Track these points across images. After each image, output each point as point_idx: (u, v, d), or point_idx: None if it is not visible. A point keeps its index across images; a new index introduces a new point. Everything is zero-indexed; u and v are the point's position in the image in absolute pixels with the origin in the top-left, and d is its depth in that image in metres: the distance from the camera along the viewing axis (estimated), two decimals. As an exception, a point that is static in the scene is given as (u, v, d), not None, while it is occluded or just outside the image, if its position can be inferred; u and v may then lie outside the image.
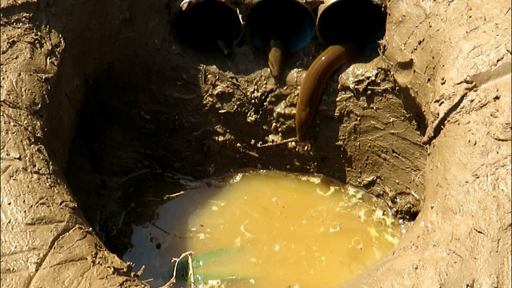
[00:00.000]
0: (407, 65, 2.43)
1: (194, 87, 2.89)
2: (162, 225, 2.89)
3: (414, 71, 2.36)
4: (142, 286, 1.89)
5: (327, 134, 2.93)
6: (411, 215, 2.86)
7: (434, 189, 1.97)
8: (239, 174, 3.14)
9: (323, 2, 2.68)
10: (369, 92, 2.73)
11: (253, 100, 2.90)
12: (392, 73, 2.57)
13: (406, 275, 1.71)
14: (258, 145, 3.04)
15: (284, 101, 2.90)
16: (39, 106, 2.15)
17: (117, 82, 2.85)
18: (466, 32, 2.13)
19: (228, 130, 3.01)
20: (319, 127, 2.91)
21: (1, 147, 1.96)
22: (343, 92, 2.79)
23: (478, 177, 1.80)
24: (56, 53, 2.32)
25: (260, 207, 2.97)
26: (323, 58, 2.73)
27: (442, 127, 2.07)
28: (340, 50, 2.74)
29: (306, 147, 3.00)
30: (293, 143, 2.99)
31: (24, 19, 2.26)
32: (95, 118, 2.93)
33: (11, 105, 2.07)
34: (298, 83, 2.83)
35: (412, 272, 1.71)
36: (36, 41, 2.26)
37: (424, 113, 2.33)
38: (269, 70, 2.84)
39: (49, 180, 1.99)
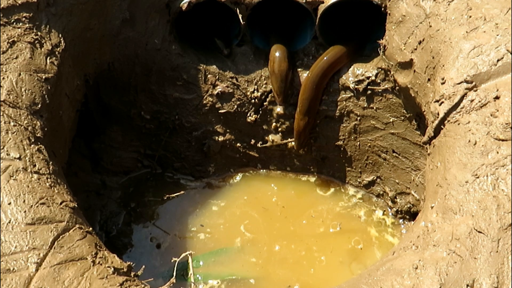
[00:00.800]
0: (407, 65, 2.43)
1: (194, 87, 2.89)
2: (162, 225, 2.89)
3: (414, 71, 2.36)
4: (142, 286, 1.89)
5: (327, 134, 2.93)
6: (411, 215, 2.85)
7: (434, 189, 1.97)
8: (239, 174, 3.14)
9: (323, 2, 2.68)
10: (369, 92, 2.73)
11: (253, 100, 2.90)
12: (392, 73, 2.57)
13: (406, 275, 1.71)
14: (258, 145, 3.04)
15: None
16: (39, 106, 2.15)
17: (117, 82, 2.85)
18: (466, 32, 2.12)
19: (228, 130, 3.01)
20: (319, 127, 2.91)
21: (1, 147, 1.96)
22: (343, 92, 2.79)
23: (478, 177, 1.80)
24: (56, 53, 2.32)
25: (260, 207, 2.97)
26: (319, 65, 2.72)
27: (442, 127, 2.07)
28: (338, 53, 2.73)
29: (306, 147, 3.00)
30: (293, 143, 2.99)
31: (24, 19, 2.26)
32: (95, 118, 2.93)
33: (11, 105, 2.07)
34: (298, 83, 2.83)
35: (412, 272, 1.71)
36: (36, 41, 2.26)
37: (424, 113, 2.33)
38: (268, 69, 2.84)
39: (49, 180, 1.99)
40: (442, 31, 2.21)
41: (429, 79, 2.26)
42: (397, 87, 2.61)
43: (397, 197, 2.91)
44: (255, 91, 2.88)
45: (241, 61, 2.89)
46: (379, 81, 2.69)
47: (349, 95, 2.79)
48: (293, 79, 2.82)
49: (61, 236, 1.83)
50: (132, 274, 1.93)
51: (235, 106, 2.92)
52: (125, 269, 1.90)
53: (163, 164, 3.14)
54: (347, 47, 2.75)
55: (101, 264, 1.84)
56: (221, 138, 3.02)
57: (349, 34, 2.87)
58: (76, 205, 2.00)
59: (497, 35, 2.05)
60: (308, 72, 2.76)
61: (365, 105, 2.77)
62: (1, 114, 2.02)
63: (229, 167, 3.14)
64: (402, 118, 2.70)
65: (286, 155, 3.08)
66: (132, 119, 2.99)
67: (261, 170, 3.15)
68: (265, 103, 2.92)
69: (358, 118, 2.82)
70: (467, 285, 1.62)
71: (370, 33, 2.84)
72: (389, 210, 2.96)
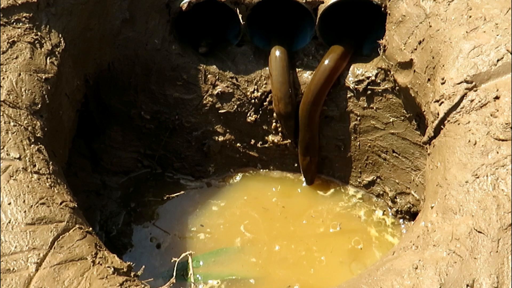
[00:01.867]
0: (407, 65, 2.43)
1: (194, 87, 2.89)
2: (162, 225, 2.89)
3: (414, 71, 2.36)
4: (142, 286, 1.89)
5: (327, 134, 2.93)
6: (411, 215, 2.85)
7: (434, 189, 1.97)
8: (239, 174, 3.14)
9: (323, 2, 2.68)
10: (369, 92, 2.73)
11: (253, 100, 2.90)
12: (392, 73, 2.57)
13: (406, 275, 1.71)
14: (258, 145, 3.04)
15: (284, 101, 2.90)
16: (39, 106, 2.15)
17: (117, 82, 2.85)
18: (466, 32, 2.12)
19: (228, 130, 3.01)
20: (319, 127, 2.91)
21: (1, 147, 1.95)
22: (343, 92, 2.79)
23: (478, 177, 1.80)
24: (56, 53, 2.32)
25: (260, 207, 2.97)
26: (308, 98, 2.74)
27: (442, 127, 2.07)
28: (328, 76, 2.71)
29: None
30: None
31: (24, 19, 2.26)
32: (95, 118, 2.93)
33: (11, 105, 2.07)
34: (298, 85, 2.83)
35: (412, 272, 1.71)
36: (36, 41, 2.26)
37: (424, 113, 2.33)
38: (268, 70, 2.84)
39: (49, 180, 1.99)
40: (442, 31, 2.21)
41: (429, 79, 2.26)
42: (397, 87, 2.61)
43: (397, 197, 2.91)
44: (255, 91, 2.88)
45: (241, 61, 2.89)
46: (379, 81, 2.69)
47: (349, 95, 2.79)
48: (294, 81, 2.83)
49: (61, 236, 1.83)
50: (132, 274, 1.92)
51: (235, 106, 2.92)
52: (125, 269, 1.89)
53: (163, 164, 3.14)
54: (347, 48, 2.74)
55: (101, 264, 1.84)
56: (221, 138, 3.02)
57: (349, 34, 2.87)
58: (76, 205, 2.00)
59: (497, 35, 2.05)
60: (300, 105, 2.78)
61: (365, 105, 2.77)
62: (1, 114, 2.02)
63: (229, 167, 3.14)
64: (402, 118, 2.70)
65: (286, 155, 3.08)
66: (132, 119, 2.99)
67: (261, 170, 3.15)
68: (265, 103, 2.92)
69: (358, 118, 2.82)
70: (467, 285, 1.62)
71: (370, 33, 2.84)
72: (389, 210, 2.96)
